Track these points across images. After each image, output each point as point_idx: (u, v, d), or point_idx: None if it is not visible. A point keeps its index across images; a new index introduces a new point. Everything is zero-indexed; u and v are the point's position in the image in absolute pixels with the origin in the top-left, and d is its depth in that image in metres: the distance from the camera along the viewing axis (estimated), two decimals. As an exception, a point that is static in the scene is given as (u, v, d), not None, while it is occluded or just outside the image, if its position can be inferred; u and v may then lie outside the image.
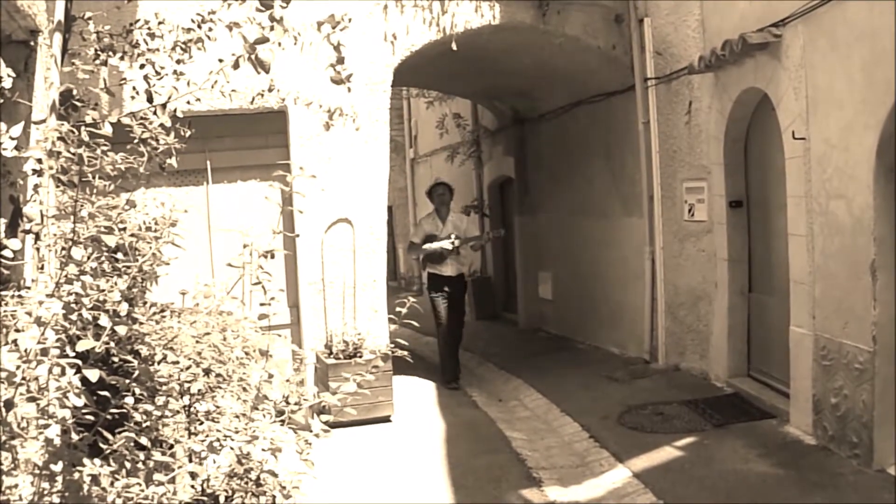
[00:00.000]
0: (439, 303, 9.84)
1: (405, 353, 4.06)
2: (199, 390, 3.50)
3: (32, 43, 4.59)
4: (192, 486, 3.18)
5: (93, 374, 2.41)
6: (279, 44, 3.06)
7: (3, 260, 2.86)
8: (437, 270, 9.88)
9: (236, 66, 3.19)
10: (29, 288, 3.31)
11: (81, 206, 2.98)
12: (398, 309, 3.99)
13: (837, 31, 5.96)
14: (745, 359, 8.09)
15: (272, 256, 3.17)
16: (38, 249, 3.46)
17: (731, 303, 8.05)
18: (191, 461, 3.29)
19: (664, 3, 8.89)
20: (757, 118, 7.68)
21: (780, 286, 7.26)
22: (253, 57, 3.05)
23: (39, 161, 3.16)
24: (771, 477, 5.88)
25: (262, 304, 3.20)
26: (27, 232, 3.34)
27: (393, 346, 4.06)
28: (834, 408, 6.09)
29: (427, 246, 9.87)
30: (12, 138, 2.96)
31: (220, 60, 3.26)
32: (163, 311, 4.21)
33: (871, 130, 5.59)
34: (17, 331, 2.70)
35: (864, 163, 5.68)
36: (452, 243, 9.69)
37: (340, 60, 3.49)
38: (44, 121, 3.43)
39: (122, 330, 2.78)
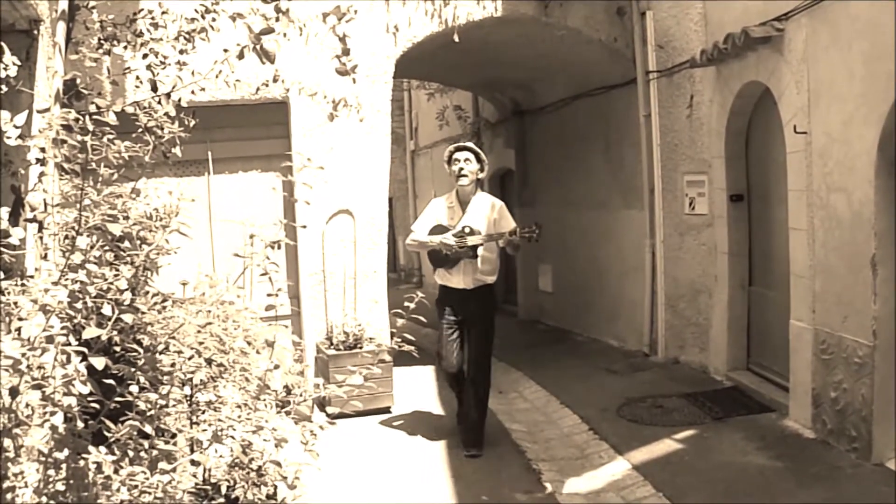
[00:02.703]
0: (443, 330, 6.94)
1: (412, 347, 4.04)
2: (201, 380, 3.51)
3: (34, 32, 4.59)
4: (194, 475, 3.19)
5: (99, 363, 2.42)
6: (284, 34, 3.07)
7: (6, 249, 2.86)
8: (446, 280, 6.95)
9: (241, 56, 3.20)
10: (32, 276, 3.31)
11: (86, 194, 2.98)
12: (406, 304, 3.98)
13: (840, 25, 5.96)
14: (745, 352, 8.11)
15: (279, 247, 3.18)
16: (41, 238, 3.46)
17: (731, 296, 8.06)
18: (192, 451, 3.30)
19: (666, -5, 8.89)
20: (758, 112, 7.68)
21: (780, 280, 7.27)
22: (258, 47, 3.05)
23: (43, 150, 3.16)
24: (770, 470, 5.89)
25: (269, 295, 3.21)
26: (30, 220, 3.34)
27: (400, 340, 4.01)
28: (833, 402, 6.10)
29: (421, 238, 6.97)
30: (16, 127, 2.96)
31: (226, 51, 3.27)
32: (164, 300, 4.22)
33: (872, 124, 5.59)
34: (21, 319, 2.71)
35: (865, 157, 5.68)
36: (462, 234, 6.72)
37: (346, 52, 3.50)
38: (47, 109, 3.43)
39: (128, 318, 2.79)
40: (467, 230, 6.72)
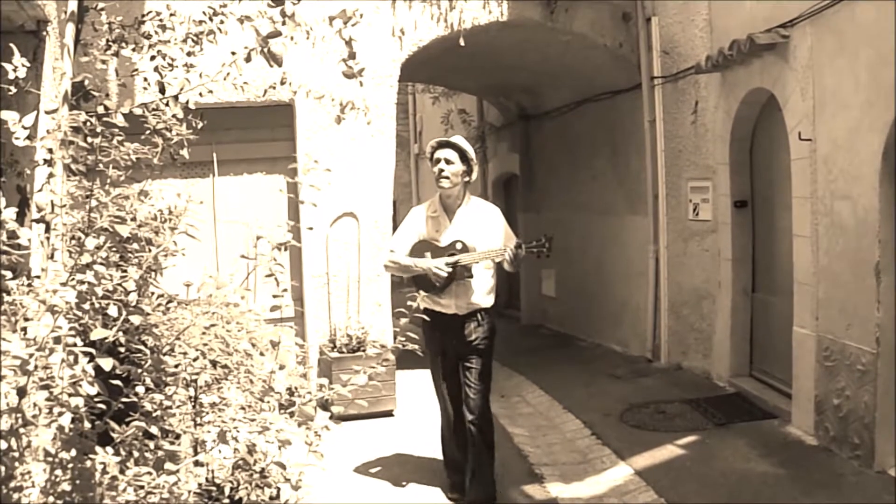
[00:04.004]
0: (436, 365, 5.94)
1: (416, 346, 4.01)
2: (206, 382, 3.52)
3: (42, 32, 4.60)
4: (197, 476, 3.20)
5: (106, 363, 2.43)
6: (291, 38, 3.08)
7: (13, 249, 2.87)
8: (434, 304, 5.68)
9: (248, 59, 3.22)
10: (38, 277, 3.32)
11: (94, 195, 3.00)
12: (409, 303, 3.98)
13: (845, 32, 5.96)
14: (748, 358, 8.10)
15: (286, 248, 3.19)
16: (47, 238, 3.47)
17: (735, 302, 8.06)
18: (196, 452, 3.31)
19: (672, 2, 8.89)
20: (763, 118, 7.69)
21: (783, 286, 7.26)
22: (265, 50, 3.07)
23: (50, 151, 3.17)
24: (772, 476, 5.89)
25: (274, 296, 3.22)
26: (38, 221, 3.36)
27: (404, 339, 3.96)
28: (836, 409, 6.09)
29: (403, 260, 5.72)
30: (25, 128, 2.97)
31: (233, 53, 3.29)
32: (170, 301, 4.23)
33: (877, 132, 5.59)
34: (27, 319, 2.72)
35: (869, 164, 5.69)
36: (454, 253, 5.55)
37: (352, 55, 3.51)
38: (55, 110, 3.45)
39: (136, 319, 2.80)
40: (459, 246, 5.56)
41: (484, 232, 5.66)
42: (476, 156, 5.79)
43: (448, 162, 5.58)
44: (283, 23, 3.16)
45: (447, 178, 5.58)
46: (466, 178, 5.68)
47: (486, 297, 5.71)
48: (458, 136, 5.81)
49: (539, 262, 5.46)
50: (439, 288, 5.57)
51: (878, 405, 5.67)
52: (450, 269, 5.46)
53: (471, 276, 5.57)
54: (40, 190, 3.47)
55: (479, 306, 5.67)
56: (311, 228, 5.55)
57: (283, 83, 4.33)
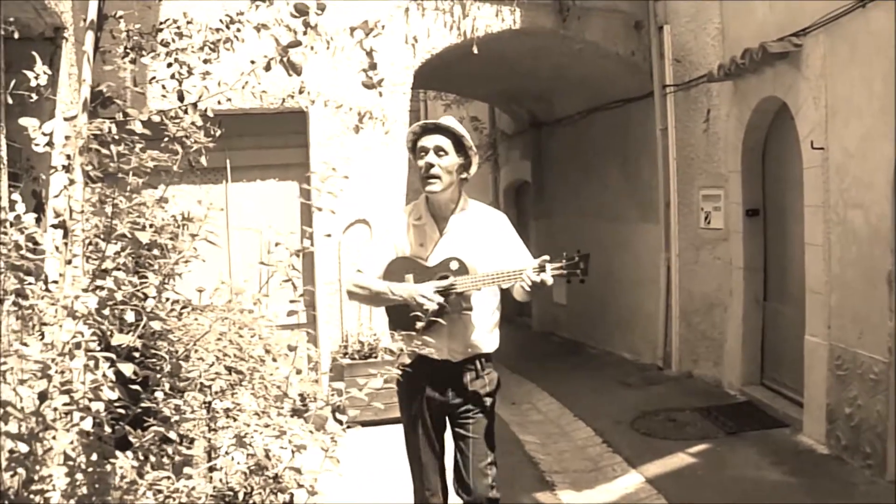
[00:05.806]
0: (414, 433, 4.54)
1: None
2: (220, 387, 3.54)
3: (59, 39, 4.65)
4: (212, 481, 3.22)
5: (127, 369, 2.46)
6: (312, 48, 3.10)
7: (31, 255, 2.90)
8: (417, 347, 3.63)
9: (268, 67, 3.24)
10: (56, 282, 3.35)
11: (113, 202, 3.03)
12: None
13: (858, 41, 5.97)
14: (759, 367, 8.10)
15: (302, 255, 3.21)
16: (65, 244, 3.50)
17: (746, 311, 8.05)
18: (210, 458, 3.33)
19: (684, 10, 8.91)
20: (775, 127, 7.69)
21: (795, 295, 7.26)
22: (285, 59, 3.09)
23: (68, 157, 3.19)
24: (783, 485, 5.89)
25: (291, 301, 3.24)
26: (56, 226, 3.38)
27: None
28: (848, 418, 6.09)
29: (375, 284, 4.08)
30: (45, 134, 3.00)
31: (252, 62, 3.31)
32: (184, 307, 4.25)
33: (889, 140, 5.59)
34: (44, 324, 2.75)
35: (882, 173, 5.69)
36: (445, 277, 3.93)
37: (373, 66, 3.53)
38: (74, 117, 3.48)
39: (156, 325, 2.83)
40: (454, 266, 3.94)
41: (487, 247, 4.06)
42: (478, 151, 4.34)
43: (439, 152, 4.01)
44: (305, 32, 3.18)
45: (438, 177, 3.99)
46: (464, 175, 4.11)
47: (489, 338, 4.15)
48: (449, 118, 4.26)
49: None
50: (424, 324, 3.66)
51: (891, 414, 5.66)
52: (440, 299, 3.88)
53: (469, 309, 3.99)
54: (57, 195, 3.50)
55: (479, 351, 4.10)
56: (328, 235, 5.49)
57: (301, 92, 4.35)
